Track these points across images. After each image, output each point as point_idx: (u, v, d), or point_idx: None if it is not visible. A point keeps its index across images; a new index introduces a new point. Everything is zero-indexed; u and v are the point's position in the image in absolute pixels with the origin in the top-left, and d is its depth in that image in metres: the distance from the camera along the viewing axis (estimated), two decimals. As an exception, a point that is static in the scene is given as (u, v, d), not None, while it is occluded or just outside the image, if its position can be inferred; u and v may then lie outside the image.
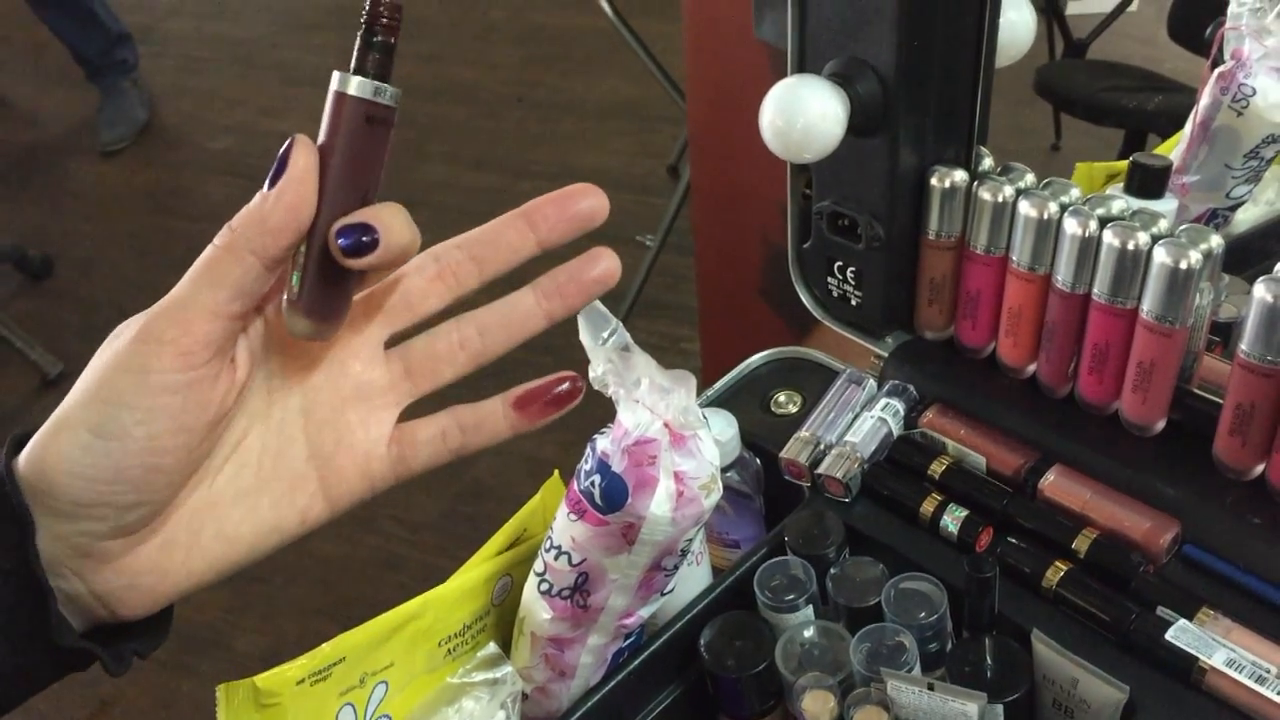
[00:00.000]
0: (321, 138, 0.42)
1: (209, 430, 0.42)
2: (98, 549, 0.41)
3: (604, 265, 0.47)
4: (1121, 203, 0.65)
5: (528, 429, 0.47)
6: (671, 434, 0.55)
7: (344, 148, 0.42)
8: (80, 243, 2.96)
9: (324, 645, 0.57)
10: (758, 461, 0.74)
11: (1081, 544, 0.63)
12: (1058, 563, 0.62)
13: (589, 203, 0.46)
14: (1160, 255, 0.61)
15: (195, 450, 0.42)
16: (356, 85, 0.42)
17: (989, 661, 0.60)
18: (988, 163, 0.71)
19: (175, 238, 2.94)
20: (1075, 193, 0.66)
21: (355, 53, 0.42)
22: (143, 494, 0.41)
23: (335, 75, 0.42)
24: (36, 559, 0.40)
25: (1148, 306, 0.62)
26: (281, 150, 0.41)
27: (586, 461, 0.57)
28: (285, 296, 0.43)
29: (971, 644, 0.61)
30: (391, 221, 0.41)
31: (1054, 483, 0.66)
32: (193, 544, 0.43)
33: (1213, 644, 0.57)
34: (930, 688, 0.56)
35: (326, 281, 0.42)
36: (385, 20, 0.41)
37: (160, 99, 3.49)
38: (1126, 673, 0.57)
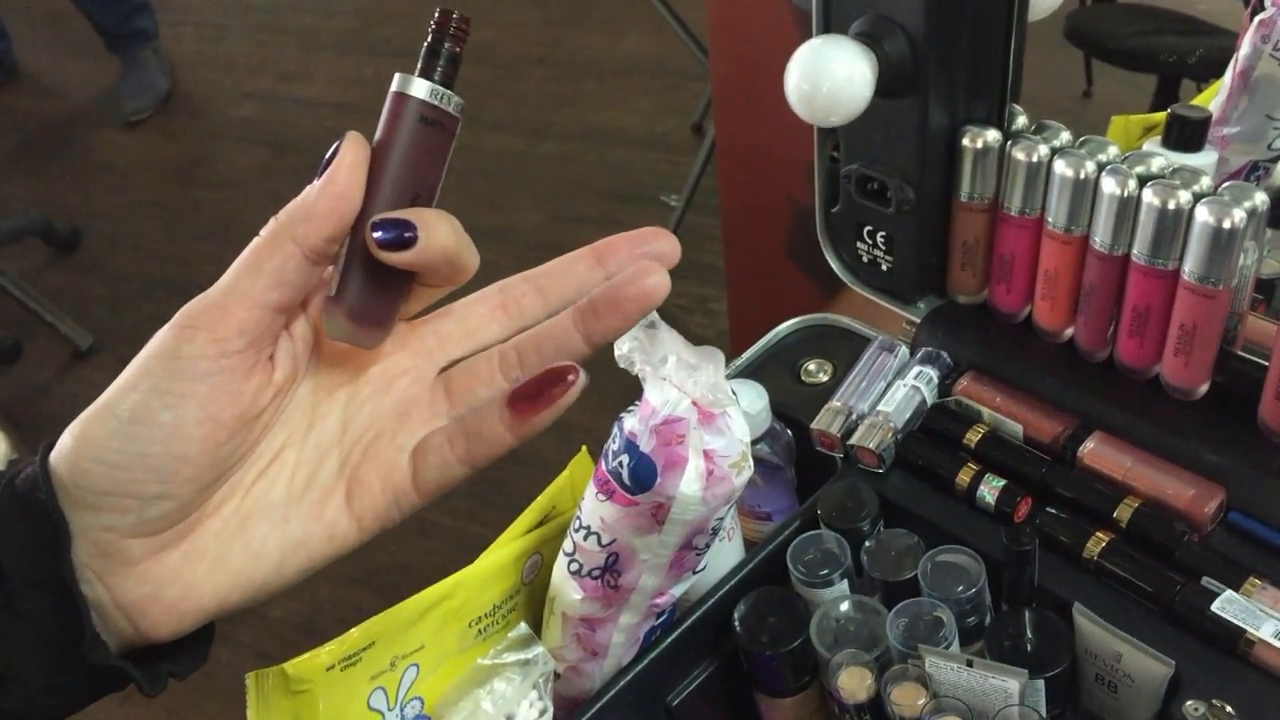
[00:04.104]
0: (376, 138, 0.42)
1: (238, 426, 0.41)
2: (120, 548, 0.40)
3: (645, 282, 0.43)
4: (1161, 160, 0.63)
5: (526, 432, 0.44)
6: (700, 412, 0.53)
7: (397, 148, 0.41)
8: (106, 214, 2.97)
9: (353, 630, 0.57)
10: (789, 433, 0.73)
11: (1123, 513, 0.61)
12: (1099, 533, 0.61)
13: (661, 245, 0.45)
14: (1202, 214, 0.58)
15: (222, 445, 0.41)
16: (415, 86, 0.41)
17: (1029, 635, 0.59)
18: (1021, 121, 0.69)
19: (201, 207, 2.94)
20: (1113, 150, 0.64)
21: (420, 59, 0.42)
22: (165, 485, 0.40)
23: (396, 76, 0.42)
24: (70, 571, 0.39)
25: (1190, 267, 0.60)
26: (334, 146, 0.41)
27: (614, 441, 0.56)
28: (325, 294, 0.42)
29: (1011, 617, 0.59)
30: (435, 223, 0.41)
31: (1094, 450, 0.65)
32: (219, 557, 0.42)
33: (1260, 615, 0.56)
34: (969, 664, 0.55)
35: (368, 283, 0.42)
36: (454, 31, 0.41)
37: (181, 67, 3.48)
38: (1171, 646, 0.56)
